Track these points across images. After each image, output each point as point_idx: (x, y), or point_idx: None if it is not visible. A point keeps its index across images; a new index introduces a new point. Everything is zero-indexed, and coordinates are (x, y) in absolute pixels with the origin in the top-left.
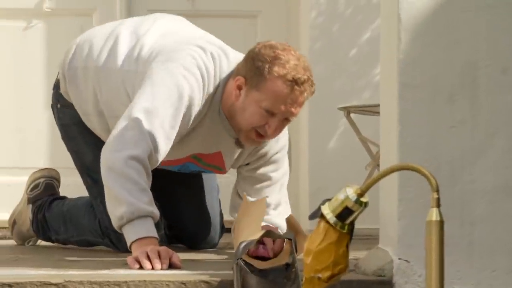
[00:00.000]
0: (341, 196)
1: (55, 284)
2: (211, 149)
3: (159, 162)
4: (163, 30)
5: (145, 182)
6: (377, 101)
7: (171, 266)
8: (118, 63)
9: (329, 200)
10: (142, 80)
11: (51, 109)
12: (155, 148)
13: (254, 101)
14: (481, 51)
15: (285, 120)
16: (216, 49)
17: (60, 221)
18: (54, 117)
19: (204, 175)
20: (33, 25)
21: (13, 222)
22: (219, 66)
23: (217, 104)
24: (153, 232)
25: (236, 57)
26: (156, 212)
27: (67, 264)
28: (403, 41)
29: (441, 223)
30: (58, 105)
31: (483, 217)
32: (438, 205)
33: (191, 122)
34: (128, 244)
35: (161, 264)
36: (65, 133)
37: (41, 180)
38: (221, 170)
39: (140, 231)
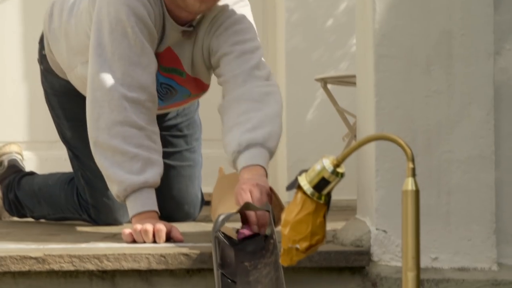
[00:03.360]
0: (317, 167)
1: (35, 258)
2: (161, 47)
3: (154, 94)
4: None
5: (136, 144)
6: (354, 71)
7: (170, 240)
8: (76, 9)
9: (306, 171)
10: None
11: (29, 81)
12: (137, 87)
13: None
14: (456, 20)
15: None
16: None
17: (34, 200)
18: (40, 76)
19: (188, 148)
20: None
21: None
22: None
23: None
24: (149, 205)
25: None
26: (150, 176)
27: (47, 238)
28: (378, 11)
29: (416, 192)
30: (42, 67)
31: (459, 186)
32: (414, 175)
33: (154, 30)
34: (130, 218)
35: (159, 239)
36: (47, 100)
37: (4, 157)
38: (182, 74)
39: (135, 207)
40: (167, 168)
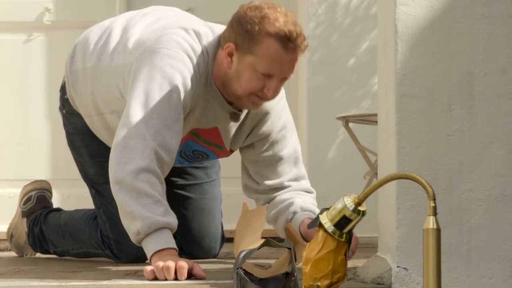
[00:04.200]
0: (339, 205)
1: None
2: (208, 123)
3: (174, 159)
4: (150, 20)
5: (159, 192)
6: (376, 110)
7: (192, 277)
8: (109, 59)
9: (327, 209)
10: (129, 74)
11: (52, 120)
12: (165, 148)
13: (248, 66)
14: (478, 60)
15: (283, 79)
16: (199, 25)
17: (59, 234)
18: (62, 120)
19: (208, 184)
20: (34, 38)
21: (11, 235)
22: (205, 41)
23: (209, 77)
24: (172, 243)
25: (221, 27)
26: (172, 221)
27: (69, 275)
28: (400, 51)
29: (437, 231)
30: (64, 111)
31: (480, 225)
32: (435, 213)
33: (189, 104)
34: (148, 257)
35: (181, 276)
36: (70, 141)
37: (33, 193)
38: (222, 148)
39: (159, 243)
40: (188, 200)
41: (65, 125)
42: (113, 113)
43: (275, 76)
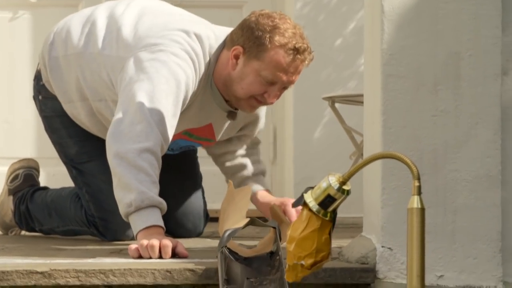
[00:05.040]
0: (323, 184)
1: (41, 273)
2: (203, 122)
3: (166, 150)
4: (138, 10)
5: (157, 176)
6: (362, 91)
7: (176, 256)
8: (98, 47)
9: (312, 188)
10: (125, 67)
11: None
12: (164, 138)
13: (253, 70)
14: (464, 41)
15: (284, 88)
16: (200, 27)
17: (45, 212)
18: (37, 109)
19: (187, 162)
20: (19, 15)
21: None
22: (207, 44)
23: (209, 78)
24: (161, 222)
25: (221, 30)
26: (165, 204)
27: (53, 253)
28: (387, 31)
29: (422, 210)
30: (40, 97)
31: (465, 205)
32: (419, 193)
33: (186, 103)
34: (135, 233)
35: (165, 255)
36: (48, 125)
37: (20, 171)
38: (211, 141)
39: (148, 220)
40: (178, 173)
41: (42, 111)
42: (102, 101)
43: (278, 83)
